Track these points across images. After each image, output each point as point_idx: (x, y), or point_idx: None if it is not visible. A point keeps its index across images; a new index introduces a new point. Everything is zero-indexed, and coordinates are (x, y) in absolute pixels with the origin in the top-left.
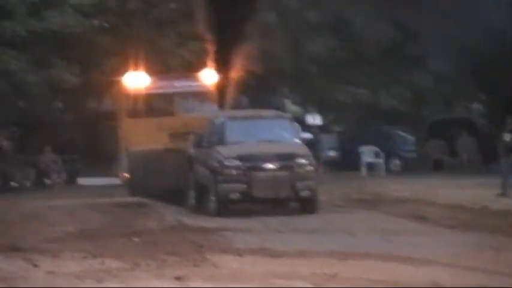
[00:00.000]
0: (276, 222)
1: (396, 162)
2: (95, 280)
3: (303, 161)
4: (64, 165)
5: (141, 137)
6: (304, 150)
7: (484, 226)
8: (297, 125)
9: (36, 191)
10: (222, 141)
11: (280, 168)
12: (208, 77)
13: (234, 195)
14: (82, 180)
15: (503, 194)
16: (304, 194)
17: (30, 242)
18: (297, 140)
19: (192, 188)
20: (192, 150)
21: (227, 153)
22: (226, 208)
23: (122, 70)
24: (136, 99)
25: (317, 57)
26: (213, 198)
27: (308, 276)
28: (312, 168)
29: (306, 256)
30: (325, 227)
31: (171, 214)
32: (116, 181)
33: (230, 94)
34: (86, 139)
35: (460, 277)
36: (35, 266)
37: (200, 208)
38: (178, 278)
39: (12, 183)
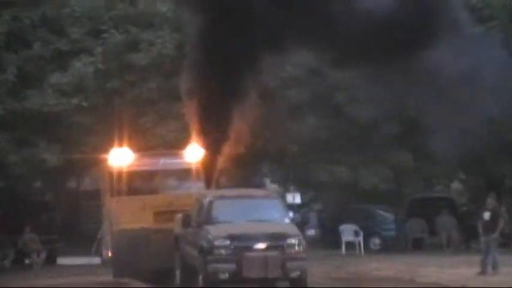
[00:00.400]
0: None
1: (376, 241)
2: None
3: (293, 241)
4: (43, 244)
5: (125, 216)
6: (295, 230)
7: None
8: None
9: (15, 271)
10: (210, 220)
11: (271, 248)
12: (193, 154)
13: (223, 276)
14: (62, 260)
15: (482, 273)
16: (295, 274)
17: None
18: (287, 220)
19: (179, 268)
20: (178, 230)
21: (216, 233)
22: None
23: (103, 148)
24: (120, 177)
25: (297, 136)
26: (201, 278)
27: None
28: (302, 248)
29: None
30: None
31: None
32: (95, 261)
33: (216, 172)
34: (65, 218)
35: None
36: None
37: None
38: None
39: None
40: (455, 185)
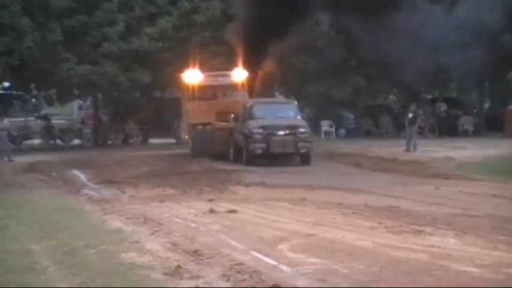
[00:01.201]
0: (272, 167)
1: (342, 131)
2: (159, 201)
3: (302, 130)
4: (141, 131)
5: (197, 114)
6: (304, 123)
7: (395, 170)
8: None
9: (123, 147)
10: (251, 117)
11: (288, 134)
12: (240, 74)
13: (258, 151)
14: (152, 140)
15: (407, 150)
16: (303, 150)
17: (120, 178)
18: (299, 117)
19: (232, 148)
20: (231, 124)
21: (254, 125)
22: (253, 160)
23: (179, 72)
24: (193, 89)
25: (296, 67)
26: (245, 153)
27: (288, 199)
28: (307, 135)
29: (288, 187)
30: (301, 170)
31: (206, 161)
32: (171, 141)
33: (254, 87)
34: (154, 115)
35: (381, 200)
36: (123, 192)
37: (237, 161)
38: (210, 200)
39: (109, 142)
40: (391, 97)
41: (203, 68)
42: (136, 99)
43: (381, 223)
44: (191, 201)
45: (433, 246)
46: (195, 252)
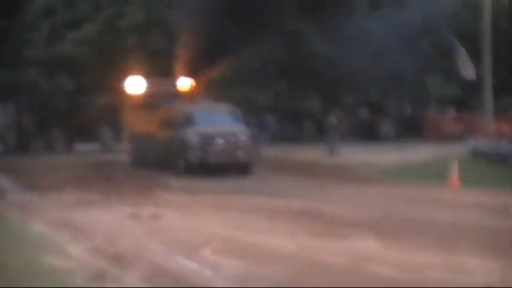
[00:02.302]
0: (199, 175)
1: (266, 135)
2: (83, 205)
3: (243, 137)
4: (65, 136)
5: (139, 123)
6: (244, 130)
7: (318, 174)
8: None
9: (47, 153)
10: (189, 124)
11: (227, 143)
12: (183, 82)
13: (196, 160)
14: (78, 146)
15: (329, 155)
16: (242, 159)
17: (43, 183)
18: (240, 124)
19: (172, 157)
20: (172, 132)
21: (192, 133)
22: (191, 169)
23: (116, 79)
24: (136, 97)
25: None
26: (182, 163)
27: (213, 204)
28: (248, 143)
29: (213, 192)
30: (228, 176)
31: (134, 168)
32: (98, 147)
33: (196, 94)
34: (80, 121)
35: (304, 204)
36: (46, 197)
37: (177, 170)
38: (134, 205)
39: (32, 148)
40: (314, 102)
41: (128, 73)
42: (60, 104)
43: (303, 227)
44: (115, 205)
45: (354, 249)
46: (118, 256)
